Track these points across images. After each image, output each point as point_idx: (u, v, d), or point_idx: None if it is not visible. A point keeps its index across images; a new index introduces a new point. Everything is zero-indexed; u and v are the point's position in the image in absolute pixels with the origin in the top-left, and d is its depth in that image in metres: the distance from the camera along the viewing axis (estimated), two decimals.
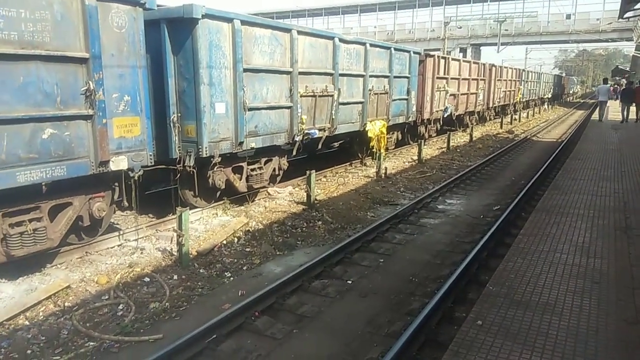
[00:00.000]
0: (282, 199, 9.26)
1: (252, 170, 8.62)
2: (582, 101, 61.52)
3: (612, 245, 4.85)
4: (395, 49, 13.14)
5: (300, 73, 9.07)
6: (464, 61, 20.54)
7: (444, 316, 4.81)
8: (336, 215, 8.44)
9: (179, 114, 7.26)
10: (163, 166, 7.18)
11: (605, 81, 24.52)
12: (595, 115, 23.92)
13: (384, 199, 9.71)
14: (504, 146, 17.03)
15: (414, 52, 14.38)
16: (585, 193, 7.27)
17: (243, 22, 7.64)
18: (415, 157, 14.04)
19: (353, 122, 11.50)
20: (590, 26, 47.71)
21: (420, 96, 15.67)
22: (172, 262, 6.23)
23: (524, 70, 35.82)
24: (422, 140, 14.92)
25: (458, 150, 16.43)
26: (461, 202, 9.60)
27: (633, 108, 20.85)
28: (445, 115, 18.10)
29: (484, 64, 23.49)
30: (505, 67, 28.62)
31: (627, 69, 60.25)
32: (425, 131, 17.23)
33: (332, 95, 10.20)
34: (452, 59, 18.96)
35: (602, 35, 47.85)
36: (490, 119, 26.60)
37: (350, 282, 5.78)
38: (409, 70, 14.11)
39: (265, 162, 9.09)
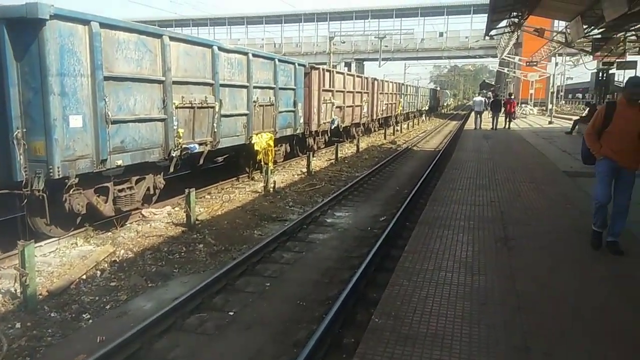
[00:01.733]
0: (159, 221, 8.39)
1: (121, 190, 7.67)
2: (455, 113, 66.88)
3: (493, 259, 4.83)
4: (280, 60, 12.86)
5: (174, 82, 8.33)
6: (348, 74, 21.00)
7: (332, 344, 4.45)
8: (220, 236, 7.80)
9: (25, 130, 6.15)
10: (6, 191, 6.05)
11: (479, 94, 27.60)
12: (469, 125, 26.49)
13: (272, 215, 9.26)
14: (388, 156, 17.56)
15: (299, 64, 14.24)
16: (464, 203, 7.43)
17: (103, 25, 6.75)
18: (305, 170, 13.84)
19: (238, 135, 10.94)
20: (460, 44, 52.31)
21: (307, 108, 15.56)
22: (15, 306, 5.17)
23: (403, 84, 37.89)
24: (311, 152, 14.78)
25: (346, 161, 16.60)
26: (349, 215, 9.49)
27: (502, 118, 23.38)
28: (332, 127, 18.24)
29: (366, 78, 24.28)
30: (386, 81, 29.94)
31: (493, 82, 66.94)
32: (314, 143, 17.18)
33: (212, 107, 9.56)
34: (337, 72, 19.25)
35: (470, 52, 52.68)
36: (374, 130, 27.56)
37: (232, 313, 5.20)
38: (294, 82, 13.92)
39: (137, 181, 8.18)
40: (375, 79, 25.86)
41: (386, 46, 49.61)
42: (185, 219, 8.17)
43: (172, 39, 8.29)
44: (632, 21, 15.71)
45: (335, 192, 11.11)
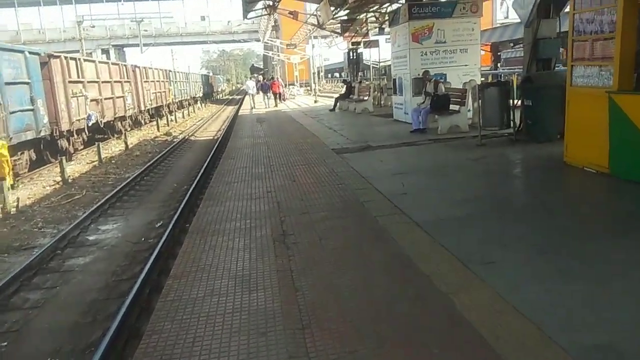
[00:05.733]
0: None
1: None
2: (231, 98, 67.03)
3: (273, 265, 4.22)
4: (1, 49, 10.33)
5: None
6: (100, 62, 18.67)
7: None
8: None
9: None
10: None
11: (250, 78, 31.42)
12: (244, 110, 26.93)
13: (13, 245, 7.36)
14: (163, 150, 16.23)
15: (31, 53, 11.80)
16: (240, 198, 6.84)
17: None
18: (60, 178, 11.65)
19: None
20: (224, 27, 52.35)
21: (51, 105, 13.11)
22: None
23: (171, 71, 36.03)
24: (65, 157, 12.55)
25: (113, 161, 14.71)
26: (119, 226, 8.18)
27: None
28: (90, 124, 15.95)
29: (125, 65, 22.12)
30: (150, 68, 27.92)
31: (261, 66, 69.25)
32: (69, 145, 14.75)
33: None
34: (86, 60, 16.86)
35: (235, 37, 53.33)
36: (145, 123, 25.50)
37: None
38: (28, 75, 11.46)
39: None
40: (136, 66, 23.76)
41: (146, 30, 46.43)
42: None
43: None
44: (371, 3, 17.48)
45: (100, 200, 9.55)
